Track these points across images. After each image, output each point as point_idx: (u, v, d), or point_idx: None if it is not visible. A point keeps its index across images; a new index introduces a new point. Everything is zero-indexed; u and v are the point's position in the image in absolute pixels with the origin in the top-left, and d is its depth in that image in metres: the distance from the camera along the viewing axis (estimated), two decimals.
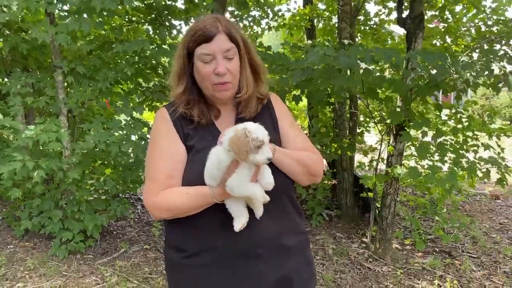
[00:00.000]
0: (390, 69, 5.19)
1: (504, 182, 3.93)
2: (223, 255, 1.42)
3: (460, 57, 4.48)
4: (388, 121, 4.41)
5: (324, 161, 5.47)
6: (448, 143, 4.20)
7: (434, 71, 3.58)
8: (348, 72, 3.80)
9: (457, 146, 4.13)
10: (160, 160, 1.44)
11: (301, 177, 1.52)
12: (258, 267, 1.43)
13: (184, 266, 1.48)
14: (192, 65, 1.45)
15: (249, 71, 1.49)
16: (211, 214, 1.40)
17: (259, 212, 1.39)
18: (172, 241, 1.54)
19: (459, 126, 4.22)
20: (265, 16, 6.61)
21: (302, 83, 4.01)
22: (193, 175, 1.41)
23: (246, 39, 1.48)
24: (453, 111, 4.30)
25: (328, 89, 4.27)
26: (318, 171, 1.55)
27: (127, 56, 4.55)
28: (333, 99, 5.08)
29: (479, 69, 3.47)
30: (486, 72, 3.49)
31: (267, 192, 1.35)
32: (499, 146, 4.16)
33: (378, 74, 4.01)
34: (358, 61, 3.41)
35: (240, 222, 1.36)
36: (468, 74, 3.50)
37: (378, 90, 4.10)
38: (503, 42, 4.49)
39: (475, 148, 4.30)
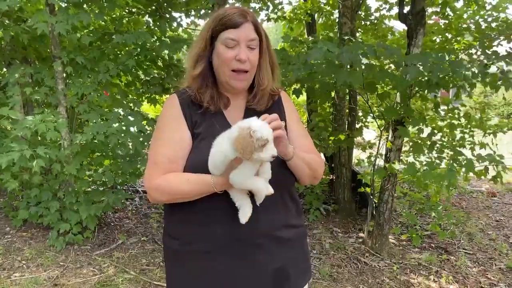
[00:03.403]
0: (391, 65, 5.18)
1: (498, 180, 3.94)
2: (223, 243, 1.43)
3: (459, 54, 4.49)
4: (386, 116, 4.42)
5: (323, 158, 5.48)
6: (445, 139, 4.23)
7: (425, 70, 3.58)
8: (349, 67, 3.79)
9: (453, 144, 4.15)
10: (164, 145, 1.46)
11: (306, 179, 1.56)
12: (258, 256, 1.45)
13: (183, 253, 1.49)
14: (212, 50, 1.47)
15: (269, 65, 1.52)
16: (211, 202, 1.41)
17: (259, 200, 1.40)
18: (171, 229, 1.55)
19: (455, 122, 4.24)
20: (265, 8, 6.58)
21: (303, 78, 4.00)
22: (196, 162, 1.42)
23: (267, 34, 1.51)
24: (450, 106, 4.31)
25: (330, 82, 4.26)
26: (320, 175, 1.63)
27: (127, 48, 4.53)
28: (333, 93, 5.08)
29: (475, 71, 3.47)
30: (487, 71, 3.49)
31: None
32: (493, 143, 4.17)
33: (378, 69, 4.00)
34: (360, 57, 3.41)
35: (246, 214, 1.37)
36: (466, 73, 3.50)
37: (378, 85, 4.11)
38: (502, 38, 4.50)
39: (472, 145, 4.31)
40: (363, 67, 3.71)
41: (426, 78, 3.68)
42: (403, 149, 4.43)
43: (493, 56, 3.88)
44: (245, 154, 1.24)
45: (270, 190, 1.36)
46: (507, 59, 3.77)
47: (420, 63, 3.38)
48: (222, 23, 1.42)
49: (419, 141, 4.17)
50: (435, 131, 4.25)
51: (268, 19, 6.87)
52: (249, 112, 1.53)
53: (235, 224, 1.39)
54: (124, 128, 4.11)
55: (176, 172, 1.43)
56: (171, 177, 1.42)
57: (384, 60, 4.47)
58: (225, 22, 1.41)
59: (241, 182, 1.32)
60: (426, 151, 4.07)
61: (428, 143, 4.10)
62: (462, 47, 5.43)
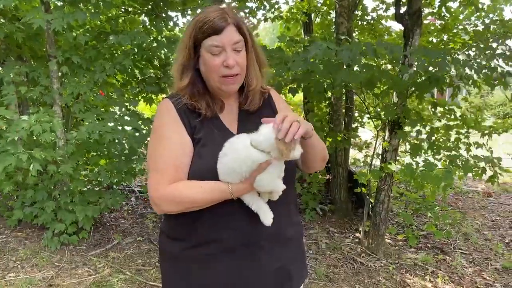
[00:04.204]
0: (387, 65, 5.19)
1: (495, 180, 3.94)
2: (228, 247, 1.40)
3: (456, 55, 4.49)
4: (383, 116, 4.42)
5: None
6: (442, 140, 4.23)
7: (431, 68, 3.58)
8: (345, 66, 3.78)
9: (450, 145, 4.15)
10: (167, 151, 1.39)
11: (318, 161, 1.55)
12: (261, 257, 1.43)
13: (183, 256, 1.46)
14: (197, 57, 1.42)
15: (257, 63, 1.49)
16: (222, 208, 1.38)
17: (274, 199, 1.41)
18: (172, 231, 1.51)
19: (451, 123, 4.25)
20: (262, 8, 6.57)
21: (300, 77, 3.99)
22: (201, 170, 1.37)
23: (251, 31, 1.46)
24: (447, 108, 4.31)
25: (325, 83, 4.26)
26: (327, 158, 1.60)
27: (123, 47, 4.51)
28: (329, 93, 5.07)
29: (477, 67, 3.47)
30: (485, 70, 3.49)
31: None
32: (487, 144, 4.17)
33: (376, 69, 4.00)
34: (359, 55, 3.41)
35: (269, 216, 1.38)
36: (468, 71, 3.50)
37: (378, 85, 4.11)
38: (500, 41, 4.50)
39: (467, 146, 4.32)
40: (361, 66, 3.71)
41: (426, 76, 3.67)
42: (400, 149, 4.43)
43: (489, 54, 3.89)
44: (287, 154, 1.27)
45: (284, 187, 1.38)
46: (503, 57, 3.76)
47: (424, 58, 3.38)
48: (203, 30, 1.36)
49: (416, 142, 4.17)
50: (434, 131, 4.25)
51: (265, 20, 6.86)
52: (243, 113, 1.51)
53: (243, 228, 1.38)
54: (119, 127, 4.09)
55: (186, 181, 1.38)
56: (182, 186, 1.36)
57: (381, 60, 4.47)
58: (206, 29, 1.35)
59: (268, 184, 1.33)
60: (423, 152, 4.07)
61: (426, 144, 4.10)
62: (458, 47, 5.43)
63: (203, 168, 1.37)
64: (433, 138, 4.18)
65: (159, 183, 1.37)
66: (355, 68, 3.93)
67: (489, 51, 3.77)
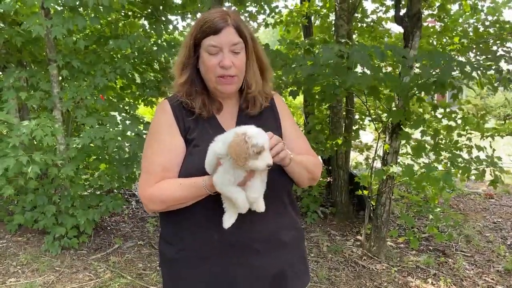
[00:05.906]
0: (387, 68, 5.19)
1: (497, 183, 3.93)
2: (221, 248, 1.41)
3: (456, 57, 4.49)
4: (384, 119, 4.41)
5: (320, 159, 5.47)
6: (443, 141, 4.22)
7: (432, 70, 3.57)
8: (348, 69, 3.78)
9: (451, 146, 4.14)
10: (158, 153, 1.43)
11: (305, 182, 1.55)
12: (256, 261, 1.43)
13: (180, 260, 1.46)
14: (197, 57, 1.45)
15: (257, 67, 1.49)
16: (207, 206, 1.38)
17: (240, 211, 1.33)
18: (167, 234, 1.52)
19: (452, 123, 4.24)
20: (262, 12, 6.58)
21: (302, 80, 3.99)
22: (191, 169, 1.39)
23: (254, 35, 1.48)
24: (448, 110, 4.31)
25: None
26: (318, 176, 1.60)
27: (123, 51, 4.51)
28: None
29: (482, 69, 3.46)
30: (491, 71, 3.48)
31: (266, 187, 1.34)
32: (491, 147, 4.16)
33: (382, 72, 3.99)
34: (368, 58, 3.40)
35: (228, 219, 1.34)
36: (475, 73, 3.49)
37: (381, 88, 4.11)
38: (498, 43, 4.50)
39: (469, 148, 4.31)
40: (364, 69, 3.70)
41: (433, 79, 3.65)
42: (400, 151, 4.42)
43: (490, 56, 3.89)
44: (239, 161, 1.19)
45: (259, 208, 1.32)
46: (506, 59, 3.77)
47: (431, 62, 3.37)
48: (202, 30, 1.39)
49: (417, 143, 4.16)
50: (438, 133, 4.24)
51: (266, 25, 6.87)
52: (242, 116, 1.51)
53: (232, 228, 1.37)
54: (122, 132, 4.09)
55: (168, 179, 1.40)
56: (164, 185, 1.39)
57: (380, 62, 4.47)
58: (205, 29, 1.39)
59: (221, 185, 1.27)
60: (426, 153, 4.05)
61: (428, 147, 4.09)
62: (457, 49, 5.43)
63: (194, 167, 1.39)
64: (436, 139, 4.17)
65: (146, 183, 1.42)
66: (361, 70, 3.93)
67: (491, 56, 3.77)
